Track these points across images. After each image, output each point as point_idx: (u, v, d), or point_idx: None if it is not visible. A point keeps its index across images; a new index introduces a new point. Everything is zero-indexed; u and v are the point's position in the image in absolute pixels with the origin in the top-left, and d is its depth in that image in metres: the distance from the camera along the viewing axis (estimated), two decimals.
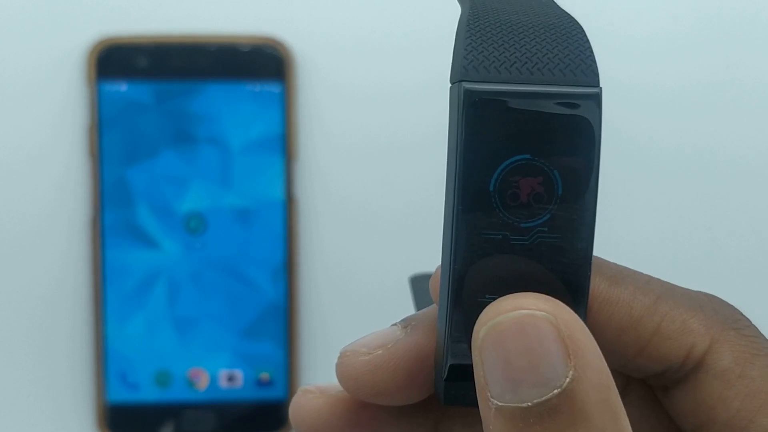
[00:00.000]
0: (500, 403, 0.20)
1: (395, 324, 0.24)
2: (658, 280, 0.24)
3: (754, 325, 0.24)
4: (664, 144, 0.57)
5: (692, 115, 0.57)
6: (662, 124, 0.57)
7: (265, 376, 0.56)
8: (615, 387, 0.20)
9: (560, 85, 0.21)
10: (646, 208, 0.57)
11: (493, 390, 0.20)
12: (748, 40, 0.57)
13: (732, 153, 0.57)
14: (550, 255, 0.21)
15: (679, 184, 0.57)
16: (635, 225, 0.57)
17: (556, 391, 0.19)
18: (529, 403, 0.19)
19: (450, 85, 0.22)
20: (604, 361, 0.20)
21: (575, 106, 0.21)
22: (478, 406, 0.21)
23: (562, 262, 0.21)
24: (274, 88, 0.56)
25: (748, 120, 0.57)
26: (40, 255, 0.56)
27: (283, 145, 0.56)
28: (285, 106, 0.56)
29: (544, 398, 0.19)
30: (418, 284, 0.40)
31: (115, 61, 0.55)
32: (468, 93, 0.21)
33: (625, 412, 0.20)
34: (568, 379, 0.19)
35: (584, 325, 0.20)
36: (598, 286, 0.23)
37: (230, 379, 0.56)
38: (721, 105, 0.57)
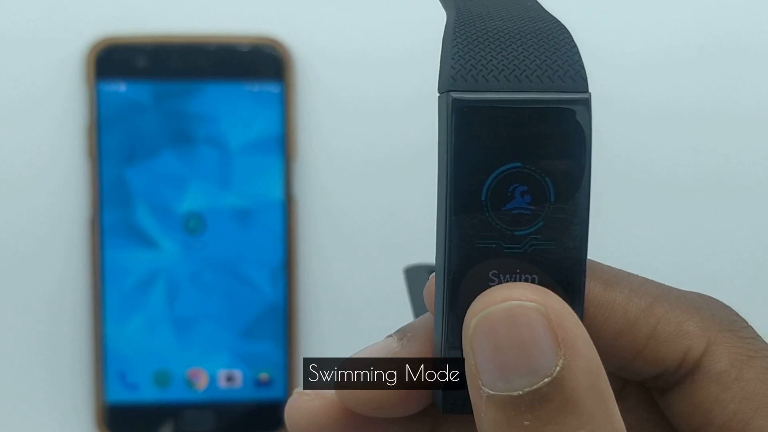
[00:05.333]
0: (491, 392, 0.20)
1: (390, 335, 0.24)
2: (654, 282, 0.24)
3: (750, 327, 0.24)
4: (659, 157, 0.57)
5: (687, 130, 0.57)
6: (654, 138, 0.57)
7: (264, 376, 0.56)
8: (604, 372, 0.20)
9: (549, 91, 0.21)
10: (642, 219, 0.57)
11: (484, 379, 0.20)
12: (745, 56, 0.57)
13: (725, 163, 0.57)
14: (544, 262, 0.21)
15: (673, 195, 0.57)
16: (629, 229, 0.57)
17: (546, 379, 0.20)
18: (520, 392, 0.20)
19: (438, 94, 0.21)
20: (594, 348, 0.20)
21: (565, 112, 0.21)
22: None
23: (556, 269, 0.21)
24: (273, 88, 0.56)
25: (743, 132, 0.57)
26: (40, 255, 0.56)
27: (282, 145, 0.56)
28: (284, 106, 0.56)
29: (534, 387, 0.20)
30: (413, 275, 0.40)
31: (114, 61, 0.55)
32: (456, 103, 0.21)
33: (614, 397, 0.20)
34: (558, 368, 0.20)
35: (573, 313, 0.20)
36: (593, 289, 0.23)
37: (229, 379, 0.56)
38: (717, 119, 0.57)
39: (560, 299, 0.20)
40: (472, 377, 0.20)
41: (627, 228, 0.57)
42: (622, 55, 0.56)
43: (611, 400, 0.20)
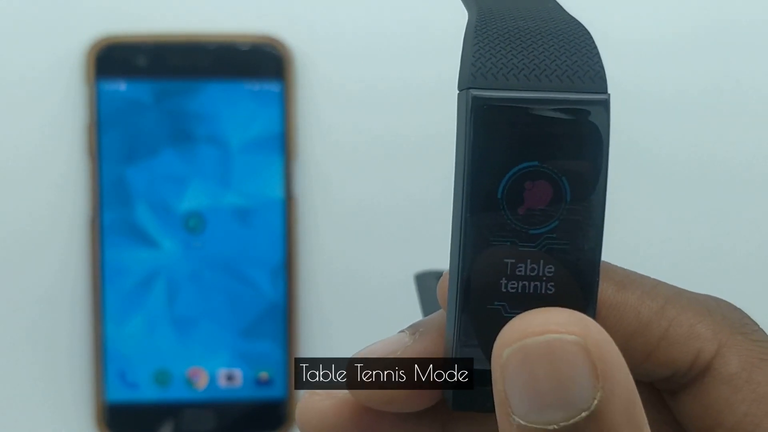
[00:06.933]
0: (524, 423, 0.19)
1: (403, 331, 0.24)
2: (666, 284, 0.24)
3: (762, 330, 0.24)
4: (669, 148, 0.57)
5: (694, 120, 0.57)
6: (664, 128, 0.57)
7: (264, 375, 0.56)
8: (639, 401, 0.20)
9: (568, 91, 0.21)
10: (653, 212, 0.57)
11: (516, 409, 0.20)
12: (749, 45, 0.57)
13: (736, 157, 0.57)
14: (559, 261, 0.21)
15: (685, 188, 0.57)
16: (642, 229, 0.57)
17: (584, 414, 0.19)
18: (555, 426, 0.19)
19: (458, 91, 0.22)
20: (631, 377, 0.20)
21: (583, 112, 0.21)
22: (486, 412, 0.21)
23: (570, 269, 0.21)
24: (273, 87, 0.56)
25: (749, 125, 0.57)
26: (40, 254, 0.56)
27: (283, 144, 0.56)
28: (284, 105, 0.56)
29: (571, 421, 0.19)
30: (423, 281, 0.40)
31: (114, 60, 0.55)
32: (476, 100, 0.21)
33: (648, 425, 0.20)
34: (596, 401, 0.19)
35: (612, 342, 0.20)
36: (605, 291, 0.23)
37: (229, 378, 0.56)
38: (722, 110, 0.57)
39: (601, 328, 0.20)
40: (500, 403, 0.20)
41: (640, 222, 0.57)
42: (629, 42, 0.57)
43: (646, 428, 0.20)
